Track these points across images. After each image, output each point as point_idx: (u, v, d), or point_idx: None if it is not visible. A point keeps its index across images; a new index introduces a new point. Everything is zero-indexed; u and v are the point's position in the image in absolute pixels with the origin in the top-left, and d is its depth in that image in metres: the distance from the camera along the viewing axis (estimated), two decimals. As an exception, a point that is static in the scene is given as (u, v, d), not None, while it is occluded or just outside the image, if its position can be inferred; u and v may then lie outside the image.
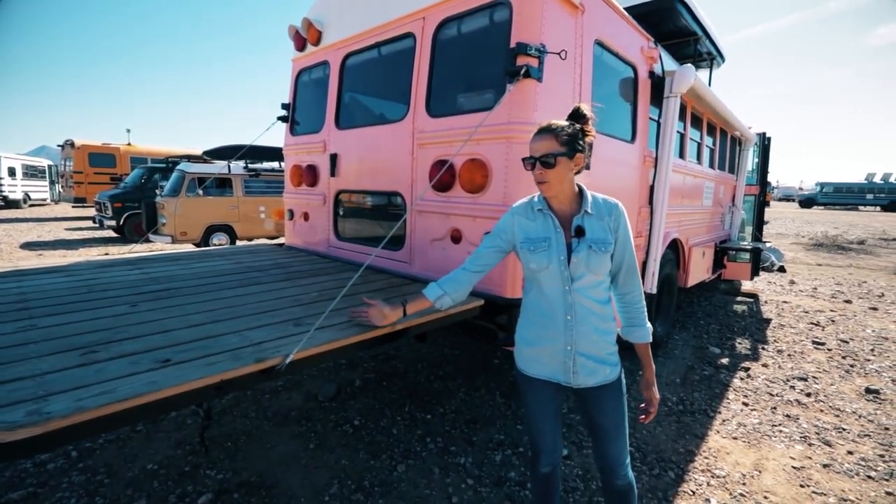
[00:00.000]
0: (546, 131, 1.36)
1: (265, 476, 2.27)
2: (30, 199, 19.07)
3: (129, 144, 14.89)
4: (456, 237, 2.48)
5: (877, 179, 35.59)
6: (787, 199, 48.98)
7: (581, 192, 1.44)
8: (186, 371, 1.22)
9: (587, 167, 1.42)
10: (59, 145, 15.27)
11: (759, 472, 2.40)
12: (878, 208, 34.15)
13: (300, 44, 3.63)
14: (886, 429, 2.86)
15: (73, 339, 1.47)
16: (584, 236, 1.36)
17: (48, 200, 20.35)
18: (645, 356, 1.49)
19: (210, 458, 2.39)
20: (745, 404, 3.15)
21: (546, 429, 1.54)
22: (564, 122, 1.38)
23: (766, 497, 2.21)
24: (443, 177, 2.45)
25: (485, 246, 1.55)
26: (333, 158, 3.30)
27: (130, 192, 9.74)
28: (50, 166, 20.45)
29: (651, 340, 1.48)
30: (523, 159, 1.41)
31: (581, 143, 1.37)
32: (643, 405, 1.51)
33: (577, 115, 1.40)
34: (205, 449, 2.43)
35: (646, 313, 1.48)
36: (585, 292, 1.38)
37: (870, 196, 34.49)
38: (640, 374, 1.54)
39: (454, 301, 1.60)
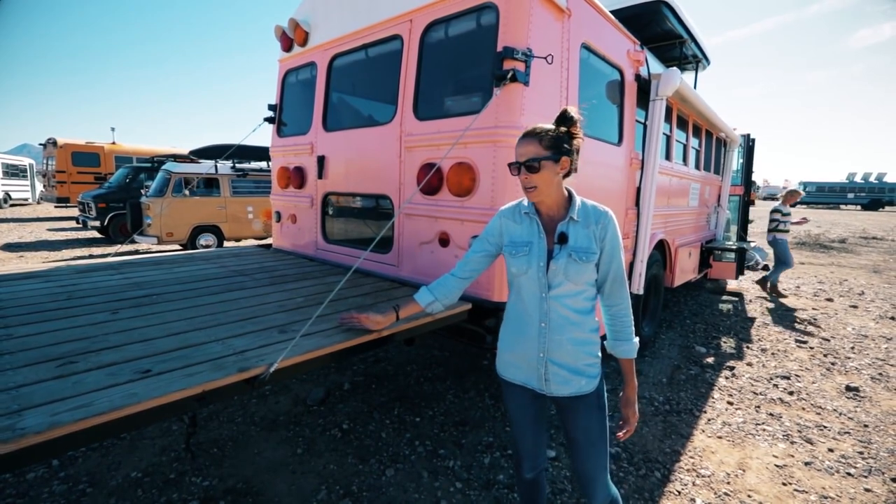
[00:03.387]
0: (529, 136, 1.34)
1: (252, 482, 2.24)
2: (10, 198, 18.61)
3: (113, 143, 14.60)
4: (444, 240, 2.48)
5: (857, 179, 36.40)
6: (771, 197, 49.87)
7: (570, 198, 1.40)
8: (167, 382, 1.20)
9: (574, 170, 1.40)
10: (41, 144, 14.91)
11: (743, 470, 2.44)
12: (859, 207, 34.95)
13: (287, 44, 3.60)
14: (865, 426, 2.93)
15: (50, 349, 1.43)
16: (567, 244, 1.33)
17: (30, 200, 19.89)
18: (628, 372, 1.44)
19: (196, 464, 2.36)
20: (730, 403, 3.20)
21: (527, 435, 1.52)
22: (549, 126, 1.35)
23: (749, 496, 2.24)
24: (430, 180, 2.44)
25: (473, 251, 1.54)
26: (321, 160, 3.27)
27: (115, 192, 9.56)
28: (31, 165, 19.98)
29: (636, 356, 1.43)
30: (509, 164, 1.38)
31: (567, 145, 1.34)
32: (622, 422, 1.47)
33: (564, 118, 1.36)
34: (190, 456, 2.39)
35: (633, 327, 1.42)
36: (562, 300, 1.35)
37: (851, 195, 35.31)
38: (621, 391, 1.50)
39: (444, 306, 1.59)
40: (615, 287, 1.39)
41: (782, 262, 6.36)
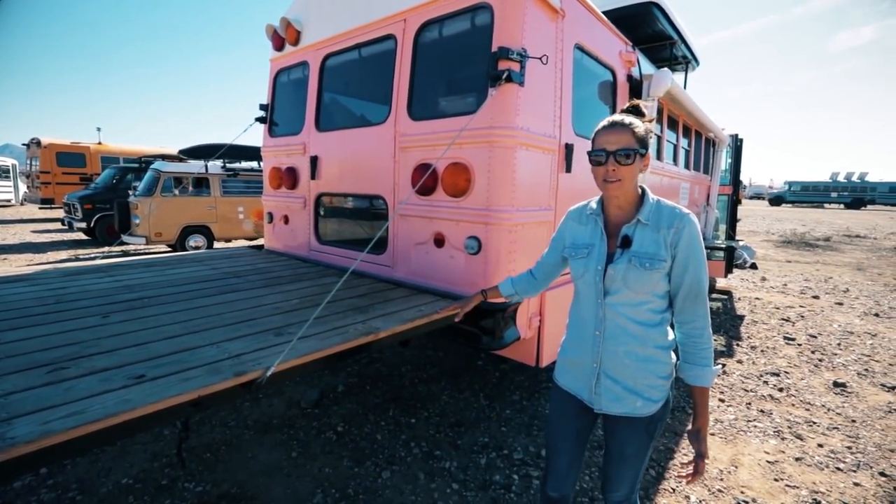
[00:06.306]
0: (621, 124, 1.22)
1: (246, 487, 2.22)
2: (-8, 199, 18.20)
3: (99, 143, 14.34)
4: (439, 241, 2.47)
5: (841, 178, 37.17)
6: (757, 196, 50.62)
7: (643, 198, 1.28)
8: (162, 387, 1.18)
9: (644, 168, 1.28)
10: (24, 144, 14.59)
11: (736, 467, 2.47)
12: (842, 206, 35.69)
13: (279, 43, 3.56)
14: (853, 421, 2.98)
15: (39, 354, 1.40)
16: (629, 248, 1.22)
17: (13, 202, 19.44)
18: (699, 402, 1.26)
19: (188, 470, 2.33)
20: (722, 400, 3.24)
21: (562, 450, 1.43)
22: (633, 118, 1.25)
23: (742, 492, 2.27)
24: (425, 181, 2.43)
25: (545, 255, 1.55)
26: (314, 161, 3.24)
27: (102, 193, 9.39)
28: (14, 166, 19.53)
29: (709, 385, 1.24)
30: (589, 153, 1.26)
31: (649, 142, 1.24)
32: (688, 461, 1.30)
33: (637, 113, 1.26)
34: (182, 462, 2.36)
35: (710, 351, 1.23)
36: (619, 309, 1.24)
37: (834, 194, 36.06)
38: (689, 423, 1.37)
39: (522, 299, 1.77)
40: (688, 302, 1.22)
41: None
